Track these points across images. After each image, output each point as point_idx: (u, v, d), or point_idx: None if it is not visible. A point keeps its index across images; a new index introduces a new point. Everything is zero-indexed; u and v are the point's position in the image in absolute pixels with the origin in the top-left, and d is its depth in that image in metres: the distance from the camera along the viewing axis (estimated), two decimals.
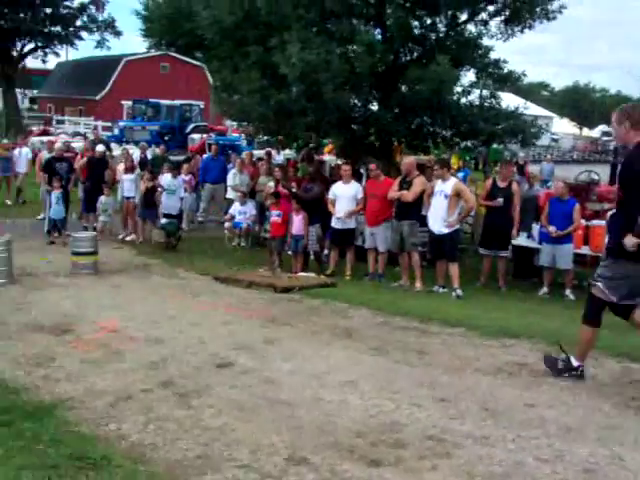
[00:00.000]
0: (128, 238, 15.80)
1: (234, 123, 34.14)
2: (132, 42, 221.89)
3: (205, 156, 21.01)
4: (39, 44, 53.99)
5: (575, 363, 6.35)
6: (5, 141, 22.45)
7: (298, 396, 5.96)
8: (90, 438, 5.08)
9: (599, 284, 6.06)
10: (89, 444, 4.96)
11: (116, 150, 23.87)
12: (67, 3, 52.81)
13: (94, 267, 12.01)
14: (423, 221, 11.99)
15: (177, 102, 38.40)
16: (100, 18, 54.22)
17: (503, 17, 15.04)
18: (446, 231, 11.40)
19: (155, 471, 4.55)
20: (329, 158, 23.02)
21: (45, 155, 18.02)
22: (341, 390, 6.14)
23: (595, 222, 12.52)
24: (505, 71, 15.32)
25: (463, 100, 15.20)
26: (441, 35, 15.02)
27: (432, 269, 12.27)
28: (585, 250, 12.52)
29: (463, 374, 6.68)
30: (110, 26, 54.85)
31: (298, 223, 12.97)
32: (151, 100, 38.18)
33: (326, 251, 13.70)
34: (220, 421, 5.40)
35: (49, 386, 6.19)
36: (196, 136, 33.94)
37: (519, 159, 24.39)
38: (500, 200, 12.28)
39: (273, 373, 6.56)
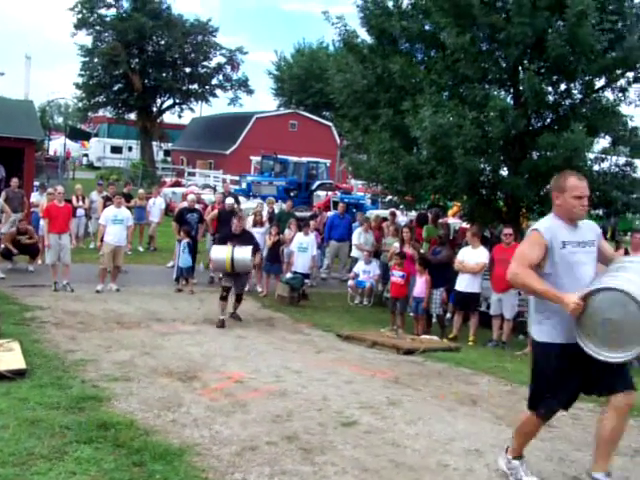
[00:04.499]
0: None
1: (359, 182, 34.62)
2: (263, 100, 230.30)
3: (331, 214, 21.35)
4: (177, 101, 57.11)
5: None
6: (141, 191, 23.51)
7: (423, 461, 5.88)
8: None
9: None
10: None
11: (243, 204, 24.57)
12: (205, 63, 55.86)
13: None
14: None
15: (304, 159, 39.26)
16: (234, 77, 57.15)
17: None
18: None
19: None
20: (453, 221, 22.90)
21: (182, 205, 18.77)
22: (467, 458, 6.01)
23: None
24: None
25: (596, 167, 14.84)
26: (576, 101, 14.78)
27: None
28: None
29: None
30: (243, 85, 57.57)
31: (420, 285, 12.91)
32: (279, 156, 39.20)
33: (449, 315, 13.56)
34: None
35: (177, 430, 6.36)
36: (321, 193, 34.58)
37: None
38: None
39: (397, 435, 6.50)
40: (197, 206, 17.82)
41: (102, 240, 14.86)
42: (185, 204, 17.78)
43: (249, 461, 5.68)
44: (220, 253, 12.46)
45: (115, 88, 54.98)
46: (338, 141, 47.95)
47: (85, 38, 53.02)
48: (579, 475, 5.73)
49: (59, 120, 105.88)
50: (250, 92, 58.31)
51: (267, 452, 5.90)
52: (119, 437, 5.94)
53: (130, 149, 62.41)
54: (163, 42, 53.42)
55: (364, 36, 16.40)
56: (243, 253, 12.40)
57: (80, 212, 19.77)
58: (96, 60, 52.85)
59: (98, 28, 52.16)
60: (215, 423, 6.60)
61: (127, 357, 9.12)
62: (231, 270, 12.38)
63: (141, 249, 21.03)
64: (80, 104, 58.82)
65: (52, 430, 6.00)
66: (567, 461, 6.10)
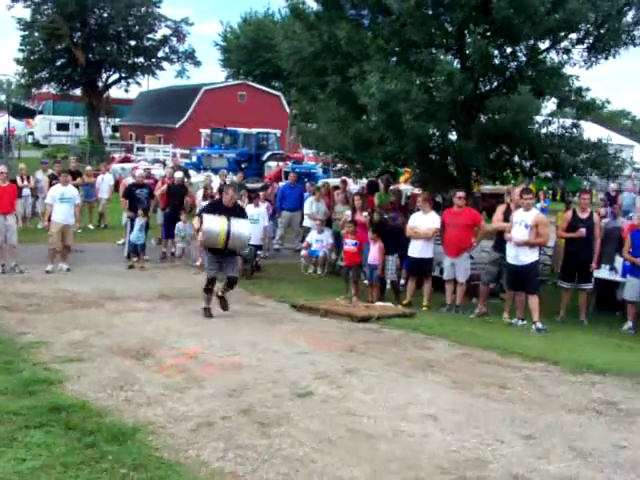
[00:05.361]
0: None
1: (310, 151, 34.47)
2: (211, 72, 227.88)
3: (282, 184, 21.25)
4: (123, 75, 56.07)
5: None
6: (89, 168, 23.09)
7: (379, 428, 5.89)
8: (171, 464, 5.13)
9: None
10: (170, 470, 5.03)
11: (194, 177, 24.29)
12: (150, 36, 54.82)
13: None
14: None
15: (254, 130, 38.89)
16: (181, 49, 56.22)
17: (586, 45, 14.73)
18: (527, 262, 11.19)
19: None
20: (405, 187, 22.94)
21: (129, 181, 18.45)
22: (422, 423, 6.05)
23: None
24: (587, 99, 14.97)
25: (543, 130, 14.92)
26: (522, 64, 14.80)
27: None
28: None
29: (547, 411, 6.50)
30: (190, 56, 56.69)
31: (374, 252, 12.89)
32: (229, 128, 38.79)
33: (403, 281, 13.60)
34: (301, 451, 5.38)
35: (131, 410, 6.29)
36: (272, 164, 34.37)
37: (610, 190, 23.89)
38: (583, 230, 11.98)
39: (353, 404, 6.51)
40: (147, 181, 17.54)
41: (50, 220, 14.57)
42: (131, 180, 17.47)
43: (204, 437, 5.64)
44: (214, 223, 10.60)
45: (58, 63, 53.57)
46: (288, 111, 47.68)
47: (23, 11, 51.61)
48: (532, 434, 5.81)
49: (1, 97, 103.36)
50: (197, 64, 57.47)
51: (222, 427, 5.86)
52: (71, 420, 5.84)
53: (77, 126, 61.05)
54: (106, 15, 52.14)
55: (311, 3, 16.24)
56: (241, 227, 10.78)
57: (26, 192, 19.32)
58: (36, 34, 51.36)
59: (36, 0, 50.62)
60: (170, 400, 6.54)
61: (81, 337, 8.97)
62: (224, 246, 10.67)
63: (91, 227, 20.69)
64: (22, 80, 57.26)
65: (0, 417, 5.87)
66: (519, 420, 6.17)
